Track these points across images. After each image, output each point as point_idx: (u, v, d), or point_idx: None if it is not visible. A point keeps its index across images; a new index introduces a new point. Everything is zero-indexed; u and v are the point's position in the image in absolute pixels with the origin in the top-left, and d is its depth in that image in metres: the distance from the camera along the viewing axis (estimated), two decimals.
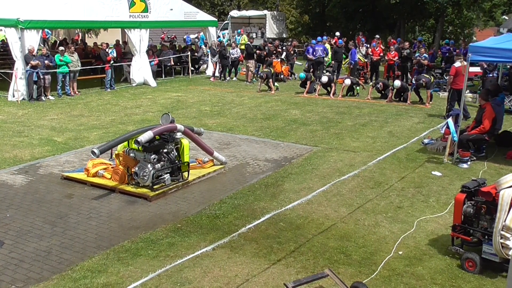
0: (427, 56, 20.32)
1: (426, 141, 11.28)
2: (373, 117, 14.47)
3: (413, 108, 15.86)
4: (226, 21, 38.69)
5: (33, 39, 16.60)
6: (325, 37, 24.69)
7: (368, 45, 22.44)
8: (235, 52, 22.59)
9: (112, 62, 19.12)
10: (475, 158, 10.07)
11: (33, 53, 16.39)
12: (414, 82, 19.23)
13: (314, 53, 21.32)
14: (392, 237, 6.67)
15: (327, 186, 8.00)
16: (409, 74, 20.58)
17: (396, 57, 20.49)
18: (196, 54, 24.25)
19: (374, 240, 6.61)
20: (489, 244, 5.68)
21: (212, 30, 23.98)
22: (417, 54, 20.16)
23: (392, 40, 24.05)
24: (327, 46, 23.21)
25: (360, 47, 22.65)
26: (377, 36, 25.24)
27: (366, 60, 22.02)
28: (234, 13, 38.99)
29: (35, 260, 6.04)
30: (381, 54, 21.86)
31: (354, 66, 21.48)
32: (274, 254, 6.20)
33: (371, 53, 21.55)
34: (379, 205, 7.82)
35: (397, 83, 16.79)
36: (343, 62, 22.68)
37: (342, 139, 11.88)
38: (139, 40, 20.01)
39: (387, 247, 6.39)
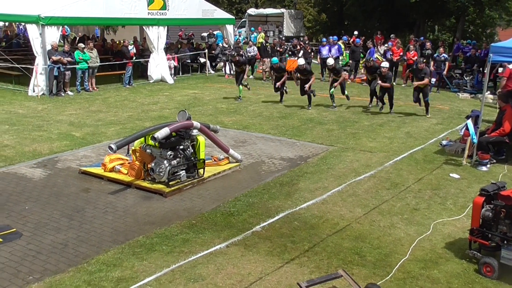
0: (446, 56, 20.08)
1: (444, 142, 11.16)
2: (390, 117, 14.35)
3: (431, 109, 15.69)
4: (243, 19, 38.71)
5: (53, 35, 16.78)
6: (344, 37, 24.50)
7: (389, 44, 22.23)
8: (251, 50, 22.57)
9: (134, 58, 19.31)
10: (494, 160, 9.93)
11: (56, 49, 16.59)
12: (432, 83, 19.08)
13: (330, 53, 21.39)
14: (407, 239, 6.62)
15: (343, 186, 7.97)
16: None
17: (415, 57, 20.27)
18: (213, 51, 24.28)
19: (389, 241, 6.57)
20: (508, 249, 5.61)
21: (230, 28, 23.99)
22: (436, 54, 19.94)
23: (413, 39, 23.78)
24: (342, 45, 23.07)
25: (379, 46, 22.46)
26: (393, 35, 25.03)
27: (384, 60, 21.81)
28: (252, 11, 38.98)
29: (52, 252, 6.12)
30: (401, 54, 21.65)
31: None
32: (288, 253, 6.20)
33: (391, 53, 21.33)
34: (395, 206, 7.76)
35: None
36: (361, 62, 22.52)
37: (358, 139, 11.81)
38: (157, 37, 20.10)
39: (403, 249, 6.34)
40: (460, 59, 22.51)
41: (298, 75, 15.62)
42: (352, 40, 23.97)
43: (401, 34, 28.99)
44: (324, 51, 21.87)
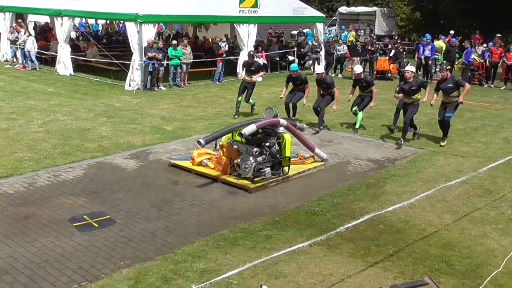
0: None
1: None
2: (486, 121, 13.57)
3: None
4: (334, 17, 38.33)
5: (149, 32, 17.60)
6: (442, 37, 23.41)
7: (487, 45, 21.00)
8: (341, 49, 22.28)
9: (224, 55, 19.80)
10: None
11: (151, 45, 17.39)
12: None
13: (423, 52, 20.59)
14: (501, 251, 6.23)
15: (432, 191, 7.63)
16: None
17: None
18: (302, 49, 24.26)
19: (481, 251, 6.23)
20: None
21: (320, 26, 23.83)
22: None
23: None
24: (442, 44, 22.05)
25: (476, 47, 21.29)
26: (498, 35, 23.58)
27: (481, 61, 20.69)
28: (343, 9, 38.46)
29: (142, 240, 6.43)
30: (502, 55, 20.37)
31: (466, 67, 20.27)
32: (372, 256, 6.07)
33: (489, 54, 20.15)
34: (488, 215, 7.34)
35: None
36: (456, 62, 21.48)
37: (450, 142, 11.28)
38: (247, 35, 20.42)
39: (495, 260, 5.98)
40: None
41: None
42: (447, 39, 22.92)
43: (502, 34, 27.17)
44: (422, 50, 21.08)
